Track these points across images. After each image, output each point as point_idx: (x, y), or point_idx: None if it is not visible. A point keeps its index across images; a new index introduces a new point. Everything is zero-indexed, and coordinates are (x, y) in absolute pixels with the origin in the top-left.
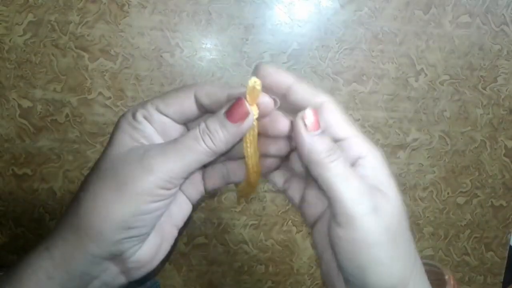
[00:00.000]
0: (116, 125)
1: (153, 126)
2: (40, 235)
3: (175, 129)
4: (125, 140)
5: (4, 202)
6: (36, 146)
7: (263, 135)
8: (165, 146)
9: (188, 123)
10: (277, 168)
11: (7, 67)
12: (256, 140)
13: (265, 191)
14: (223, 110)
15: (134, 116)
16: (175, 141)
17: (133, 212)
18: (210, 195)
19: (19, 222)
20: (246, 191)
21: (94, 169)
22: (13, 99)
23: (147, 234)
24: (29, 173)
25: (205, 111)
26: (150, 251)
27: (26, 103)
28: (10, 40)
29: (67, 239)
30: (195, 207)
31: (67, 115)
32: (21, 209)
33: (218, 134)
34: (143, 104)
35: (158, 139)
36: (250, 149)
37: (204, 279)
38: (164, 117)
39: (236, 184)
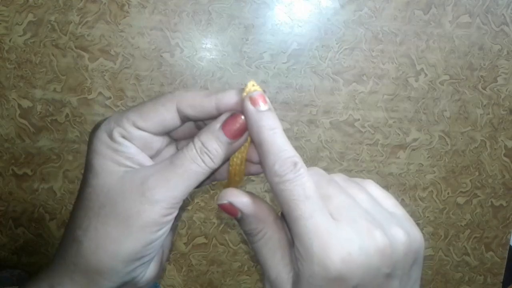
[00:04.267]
0: (92, 148)
1: (134, 144)
2: (40, 235)
3: (156, 139)
4: (110, 167)
5: (4, 202)
6: (36, 146)
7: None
8: (163, 172)
9: (170, 133)
10: (260, 174)
11: (7, 67)
12: (246, 151)
13: (265, 191)
14: (218, 125)
15: (111, 137)
16: (173, 164)
17: (143, 244)
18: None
19: (19, 222)
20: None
21: (83, 201)
22: (13, 99)
23: (156, 254)
24: (29, 173)
25: (188, 120)
26: (156, 265)
27: (26, 103)
28: (10, 40)
29: (75, 280)
30: (185, 205)
31: (67, 115)
32: (21, 209)
33: (217, 152)
34: (116, 120)
35: (143, 158)
36: (236, 159)
37: (204, 279)
38: (143, 132)
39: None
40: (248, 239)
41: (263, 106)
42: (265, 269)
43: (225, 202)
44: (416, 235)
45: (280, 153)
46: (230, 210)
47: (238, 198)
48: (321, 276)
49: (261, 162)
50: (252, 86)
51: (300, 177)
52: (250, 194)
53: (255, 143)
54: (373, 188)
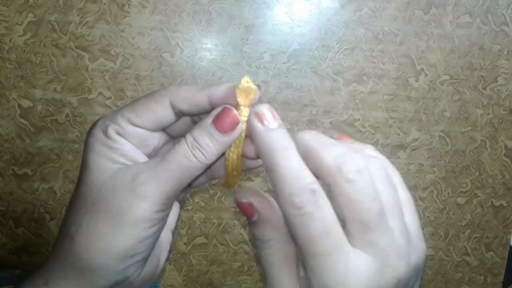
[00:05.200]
0: (87, 146)
1: (129, 141)
2: (40, 235)
3: (153, 137)
4: (104, 164)
5: (4, 202)
6: (36, 146)
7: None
8: (154, 168)
9: (166, 128)
10: (257, 168)
11: (7, 67)
12: (242, 144)
13: (265, 191)
14: (210, 120)
15: (106, 134)
16: (164, 160)
17: (134, 241)
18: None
19: (19, 222)
20: (226, 186)
21: (78, 198)
22: (13, 99)
23: (150, 253)
24: (29, 173)
25: (183, 115)
26: (152, 266)
27: (26, 103)
28: (10, 40)
29: (68, 276)
30: (183, 204)
31: (67, 115)
32: (21, 209)
33: (208, 147)
34: (112, 118)
35: (138, 155)
36: (232, 154)
37: (204, 279)
38: (139, 129)
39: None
40: (256, 244)
41: (272, 122)
42: (269, 278)
43: (244, 201)
44: (425, 252)
45: (297, 180)
46: (247, 210)
47: (260, 200)
48: None
49: (274, 188)
50: (246, 83)
51: (320, 209)
52: (271, 198)
53: (265, 166)
54: (412, 206)
